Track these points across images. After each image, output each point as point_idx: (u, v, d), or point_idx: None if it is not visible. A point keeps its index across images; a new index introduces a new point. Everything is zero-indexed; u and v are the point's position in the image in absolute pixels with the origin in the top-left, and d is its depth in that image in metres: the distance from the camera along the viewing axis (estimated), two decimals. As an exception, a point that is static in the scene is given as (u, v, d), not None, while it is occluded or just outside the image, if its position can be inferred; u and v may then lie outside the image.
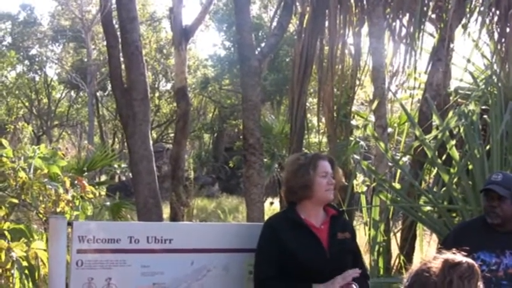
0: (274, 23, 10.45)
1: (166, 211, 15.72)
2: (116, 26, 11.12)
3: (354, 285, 4.24)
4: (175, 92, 17.44)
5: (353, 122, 14.44)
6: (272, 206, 21.71)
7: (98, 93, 39.08)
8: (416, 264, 2.93)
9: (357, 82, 10.66)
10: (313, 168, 4.46)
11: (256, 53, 9.69)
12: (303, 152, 5.29)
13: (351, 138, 13.64)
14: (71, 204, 6.14)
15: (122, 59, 11.07)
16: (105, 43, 12.56)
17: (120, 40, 10.81)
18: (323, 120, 11.10)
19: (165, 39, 35.59)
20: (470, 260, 2.78)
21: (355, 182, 10.12)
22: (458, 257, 2.79)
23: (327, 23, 9.74)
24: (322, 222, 4.51)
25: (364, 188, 9.07)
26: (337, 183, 4.60)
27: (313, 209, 4.51)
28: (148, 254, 4.42)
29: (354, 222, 10.25)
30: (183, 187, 15.49)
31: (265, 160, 17.17)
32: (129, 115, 10.35)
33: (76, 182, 6.55)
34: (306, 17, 9.89)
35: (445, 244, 5.15)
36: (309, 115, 16.73)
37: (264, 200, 12.75)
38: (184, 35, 16.34)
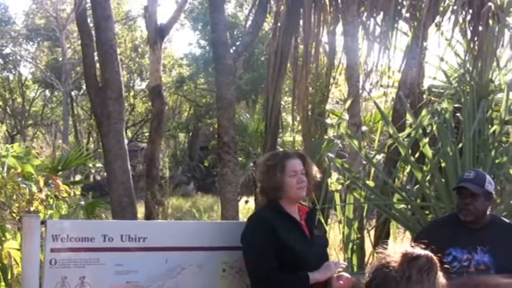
0: (249, 22, 10.45)
1: (141, 210, 15.68)
2: (91, 24, 11.08)
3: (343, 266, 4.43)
4: (150, 91, 17.41)
5: (328, 121, 14.45)
6: (247, 205, 21.69)
7: (72, 93, 38.89)
8: (376, 259, 2.94)
9: (332, 81, 10.67)
10: (281, 169, 4.53)
11: (231, 51, 9.69)
12: (274, 151, 5.35)
13: (326, 137, 13.64)
14: (44, 203, 6.12)
15: (96, 57, 11.02)
16: (79, 42, 12.48)
17: (94, 39, 10.77)
18: (298, 118, 11.11)
19: (140, 38, 35.44)
20: (429, 253, 2.79)
21: (329, 180, 10.13)
22: (417, 250, 2.80)
23: (301, 22, 9.75)
24: (300, 218, 4.59)
25: (339, 186, 9.08)
26: (312, 179, 4.64)
27: (290, 206, 4.58)
28: (122, 252, 4.42)
29: (329, 221, 10.28)
30: (158, 186, 15.46)
31: (240, 159, 17.17)
32: (104, 114, 10.31)
33: (50, 181, 6.52)
34: (281, 15, 9.90)
35: (417, 241, 5.19)
36: (284, 114, 16.79)
37: (238, 199, 12.76)
38: (159, 34, 16.29)
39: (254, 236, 4.44)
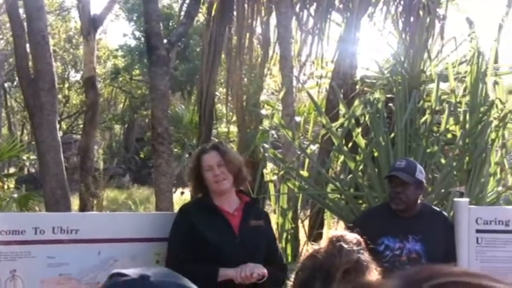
0: (183, 13, 10.36)
1: (76, 203, 15.50)
2: (24, 15, 10.88)
3: (257, 274, 4.25)
4: (84, 82, 17.22)
5: (263, 112, 14.46)
6: (183, 196, 21.59)
7: (5, 84, 38.11)
8: (308, 250, 2.94)
9: (266, 71, 10.66)
10: (198, 166, 4.55)
11: (165, 42, 9.59)
12: (202, 146, 5.28)
13: (261, 128, 13.66)
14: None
15: (29, 49, 10.83)
16: (12, 33, 12.25)
17: (26, 29, 10.57)
18: (233, 109, 11.10)
19: (74, 29, 34.92)
20: (358, 236, 2.80)
21: (265, 170, 10.12)
22: (344, 232, 2.81)
23: (235, 12, 9.72)
24: (236, 209, 4.57)
25: (274, 177, 9.07)
26: (235, 166, 4.59)
27: (221, 198, 4.56)
28: (54, 244, 4.36)
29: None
30: (92, 178, 15.28)
31: (175, 150, 17.11)
32: (36, 105, 10.14)
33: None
34: (214, 6, 9.84)
35: (351, 229, 5.22)
36: (219, 105, 16.74)
37: (174, 190, 12.67)
38: (92, 25, 16.10)
39: (172, 228, 4.48)
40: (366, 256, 2.74)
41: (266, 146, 9.15)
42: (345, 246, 2.68)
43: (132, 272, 1.56)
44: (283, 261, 4.94)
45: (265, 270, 4.29)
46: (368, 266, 2.71)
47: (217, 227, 4.43)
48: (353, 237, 2.76)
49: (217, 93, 17.16)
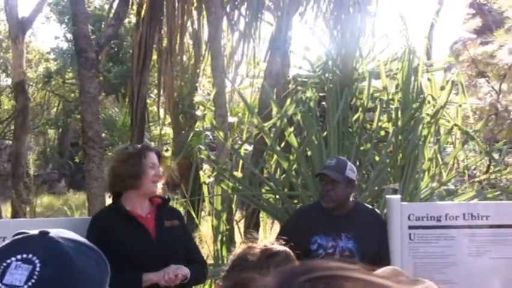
0: (112, 14, 10.24)
1: (10, 210, 15.24)
2: None
3: (181, 275, 4.29)
4: (14, 87, 16.93)
5: (198, 113, 14.41)
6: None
7: None
8: (237, 249, 2.92)
9: (201, 72, 10.63)
10: (142, 159, 4.49)
11: (94, 44, 9.46)
12: (144, 144, 5.21)
13: (196, 129, 13.61)
14: None
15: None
16: None
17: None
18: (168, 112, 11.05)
19: (4, 32, 34.35)
20: (287, 249, 2.80)
21: (201, 172, 10.08)
22: (276, 246, 2.80)
23: (165, 13, 9.65)
24: (149, 212, 4.56)
25: (210, 179, 9.04)
26: (163, 177, 4.63)
27: (139, 200, 4.55)
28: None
29: (203, 213, 10.24)
30: (23, 184, 15.03)
31: (109, 154, 16.91)
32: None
33: None
34: (144, 6, 9.75)
35: (284, 230, 5.23)
36: (154, 107, 16.60)
37: (108, 195, 12.51)
38: (21, 28, 15.82)
39: (86, 236, 4.36)
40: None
41: (202, 147, 9.13)
42: (272, 270, 2.67)
43: (34, 231, 1.64)
44: (202, 257, 4.96)
45: (187, 270, 4.35)
46: None
47: (133, 232, 4.41)
48: (285, 256, 2.75)
49: (152, 95, 17.07)
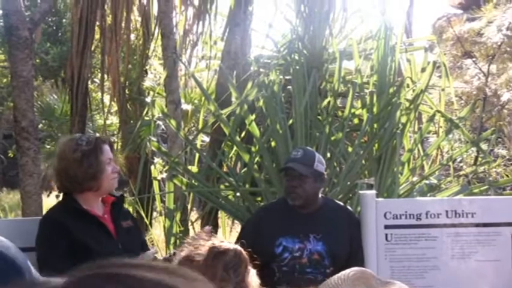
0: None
1: None
2: None
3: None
4: None
5: (148, 99, 14.32)
6: (58, 200, 21.24)
7: None
8: (184, 247, 2.89)
9: (151, 53, 10.55)
10: (99, 156, 4.36)
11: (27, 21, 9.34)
12: (78, 135, 4.96)
13: (146, 118, 13.53)
14: None
15: None
16: None
17: None
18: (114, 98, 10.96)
19: None
20: (238, 247, 2.77)
21: (152, 167, 10.00)
22: (225, 244, 2.78)
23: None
24: (104, 212, 4.50)
25: (162, 174, 8.97)
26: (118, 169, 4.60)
27: (95, 199, 4.48)
28: None
29: (154, 214, 10.18)
30: None
31: (47, 147, 16.76)
32: None
33: None
34: (86, -22, 9.65)
35: (244, 232, 5.18)
36: (98, 93, 16.48)
37: (48, 193, 12.40)
38: None
39: (41, 238, 4.33)
40: (249, 277, 2.73)
41: (153, 138, 9.05)
42: (220, 271, 2.66)
43: None
44: None
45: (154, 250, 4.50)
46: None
47: (97, 233, 4.35)
48: (234, 255, 2.73)
49: (95, 79, 16.92)
